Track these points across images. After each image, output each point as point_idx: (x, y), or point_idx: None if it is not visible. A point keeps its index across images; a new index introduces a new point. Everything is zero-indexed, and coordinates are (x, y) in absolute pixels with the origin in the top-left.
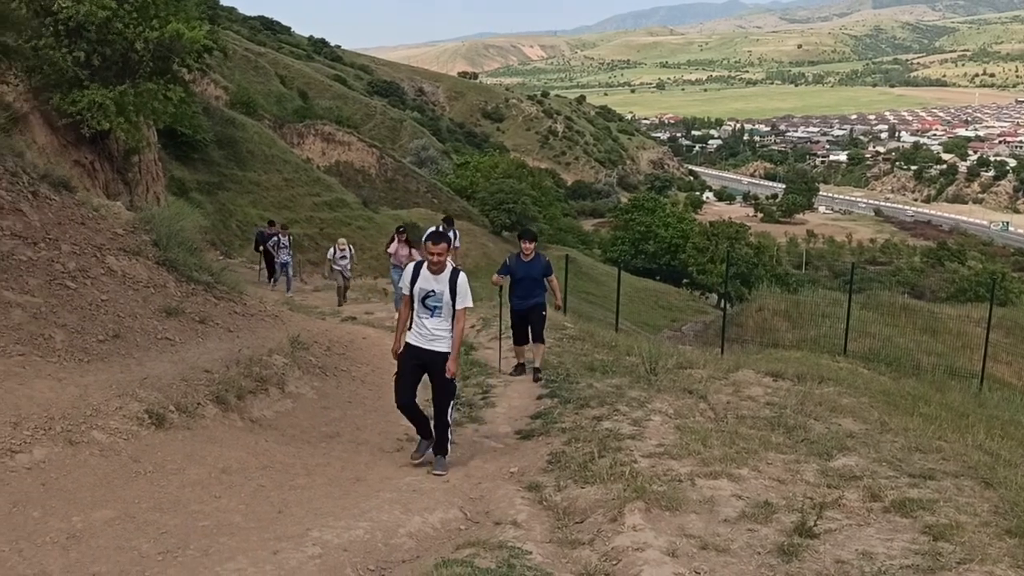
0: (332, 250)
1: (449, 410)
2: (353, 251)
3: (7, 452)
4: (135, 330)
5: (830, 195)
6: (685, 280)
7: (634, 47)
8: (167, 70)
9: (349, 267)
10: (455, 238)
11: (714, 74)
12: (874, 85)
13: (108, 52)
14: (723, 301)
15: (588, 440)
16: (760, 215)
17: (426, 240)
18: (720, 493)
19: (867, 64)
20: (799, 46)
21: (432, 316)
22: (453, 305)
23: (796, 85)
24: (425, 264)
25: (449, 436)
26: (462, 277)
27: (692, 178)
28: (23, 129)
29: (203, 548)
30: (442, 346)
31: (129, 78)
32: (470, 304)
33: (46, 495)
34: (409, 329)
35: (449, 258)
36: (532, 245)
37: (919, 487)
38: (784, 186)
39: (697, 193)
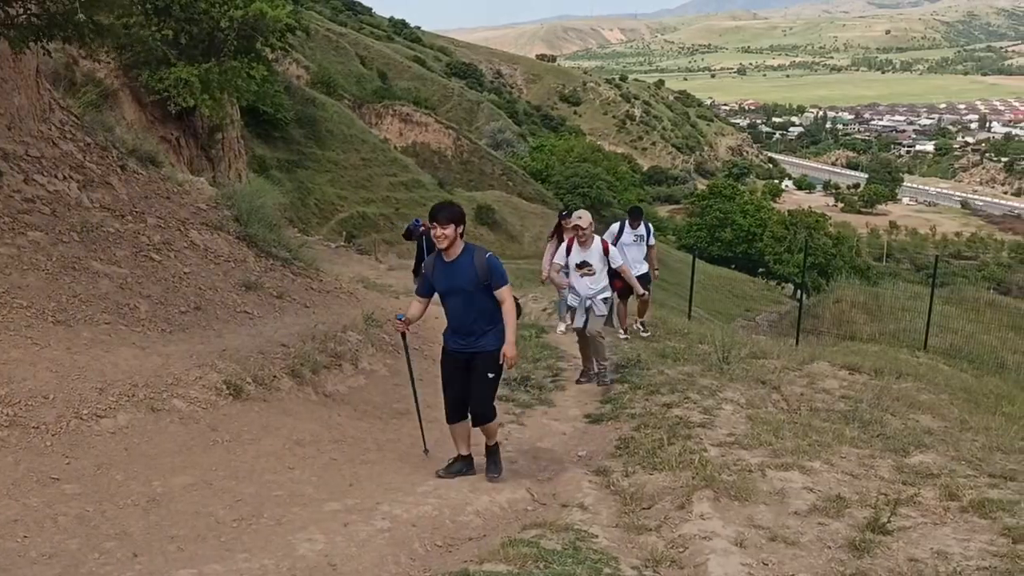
0: None
1: None
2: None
3: (93, 416)
4: (215, 303)
5: (915, 186)
6: (761, 269)
7: (715, 31)
8: (251, 49)
9: None
10: (648, 234)
11: (797, 60)
12: (965, 73)
13: (195, 31)
14: (799, 291)
15: (658, 427)
16: (841, 205)
17: None
18: (791, 485)
19: (959, 51)
20: (887, 32)
21: None
22: None
23: (883, 72)
24: None
25: None
26: None
27: (771, 166)
28: (113, 105)
29: (276, 517)
30: None
31: (214, 56)
32: None
33: (128, 459)
34: None
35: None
36: (446, 231)
37: (999, 488)
38: (867, 176)
39: (776, 181)
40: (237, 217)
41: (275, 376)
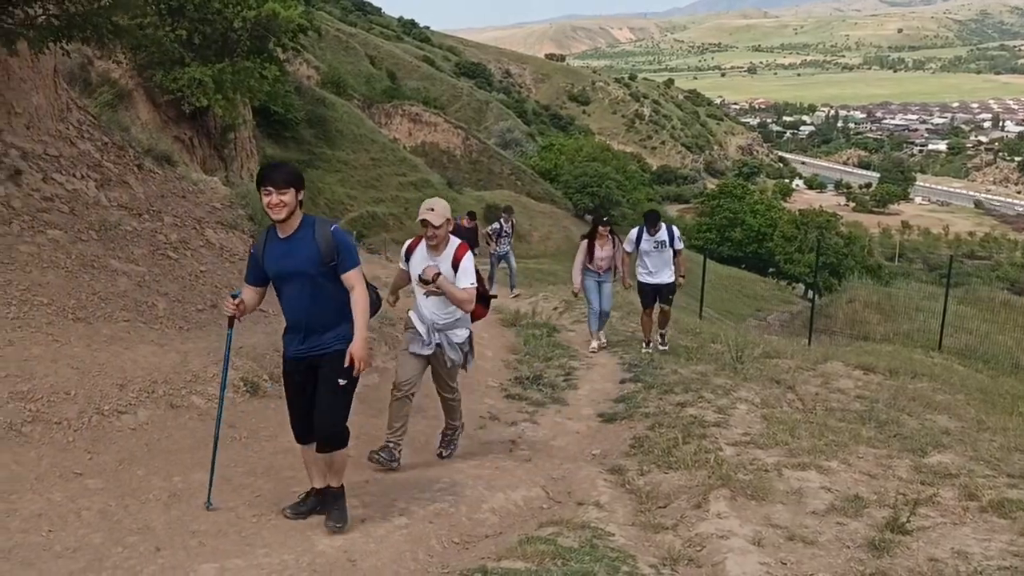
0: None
1: None
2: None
3: (114, 412)
4: None
5: (927, 185)
6: (771, 269)
7: (726, 30)
8: (263, 49)
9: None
10: (673, 238)
11: (809, 58)
12: (978, 72)
13: (208, 31)
14: (811, 291)
15: (672, 426)
16: (852, 204)
17: None
18: (808, 485)
19: (972, 50)
20: (900, 30)
21: None
22: None
23: (895, 71)
24: None
25: None
26: None
27: (782, 165)
28: (128, 105)
29: None
30: None
31: (228, 57)
32: None
33: (149, 455)
34: None
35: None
36: (284, 196)
37: (1019, 488)
38: (879, 175)
39: (786, 181)
40: (251, 216)
41: None
